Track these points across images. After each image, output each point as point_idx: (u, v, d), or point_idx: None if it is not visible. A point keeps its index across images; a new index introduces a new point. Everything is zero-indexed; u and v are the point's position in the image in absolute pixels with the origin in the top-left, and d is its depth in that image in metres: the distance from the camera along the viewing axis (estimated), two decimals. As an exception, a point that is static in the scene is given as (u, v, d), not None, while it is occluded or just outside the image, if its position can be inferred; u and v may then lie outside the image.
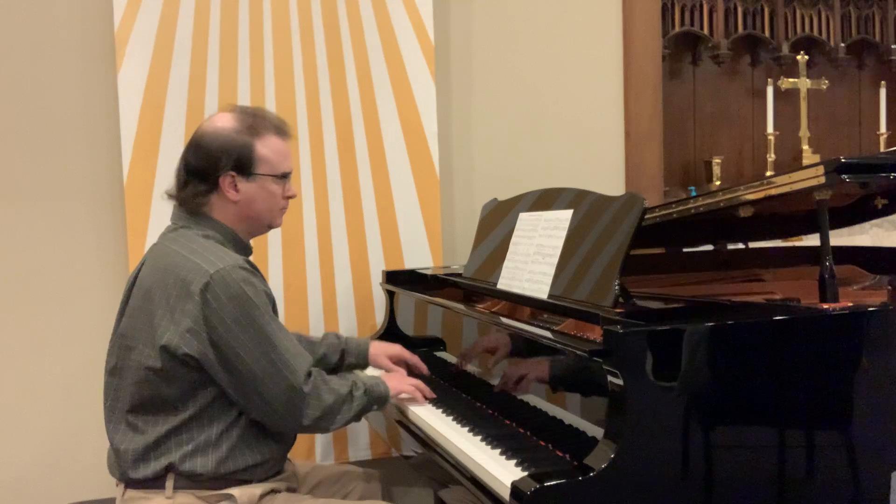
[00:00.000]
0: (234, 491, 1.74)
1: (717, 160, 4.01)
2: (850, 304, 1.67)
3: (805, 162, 4.02)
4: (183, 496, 1.72)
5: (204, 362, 1.68)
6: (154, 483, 1.73)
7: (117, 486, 1.81)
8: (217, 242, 1.79)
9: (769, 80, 3.99)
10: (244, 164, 1.79)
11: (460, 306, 2.19)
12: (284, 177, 1.87)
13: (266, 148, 1.82)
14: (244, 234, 1.88)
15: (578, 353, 1.55)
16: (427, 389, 2.04)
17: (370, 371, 2.24)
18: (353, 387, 1.85)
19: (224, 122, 1.82)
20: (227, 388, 1.71)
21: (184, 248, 1.75)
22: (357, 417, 1.87)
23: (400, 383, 2.00)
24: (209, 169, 1.78)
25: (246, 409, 1.75)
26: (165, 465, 1.71)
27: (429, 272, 2.65)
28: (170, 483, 1.72)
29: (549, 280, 1.90)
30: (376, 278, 2.80)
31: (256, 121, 1.84)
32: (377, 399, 1.90)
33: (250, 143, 1.80)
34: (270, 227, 1.91)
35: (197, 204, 1.81)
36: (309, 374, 1.76)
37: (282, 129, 1.87)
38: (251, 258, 1.88)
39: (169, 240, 1.81)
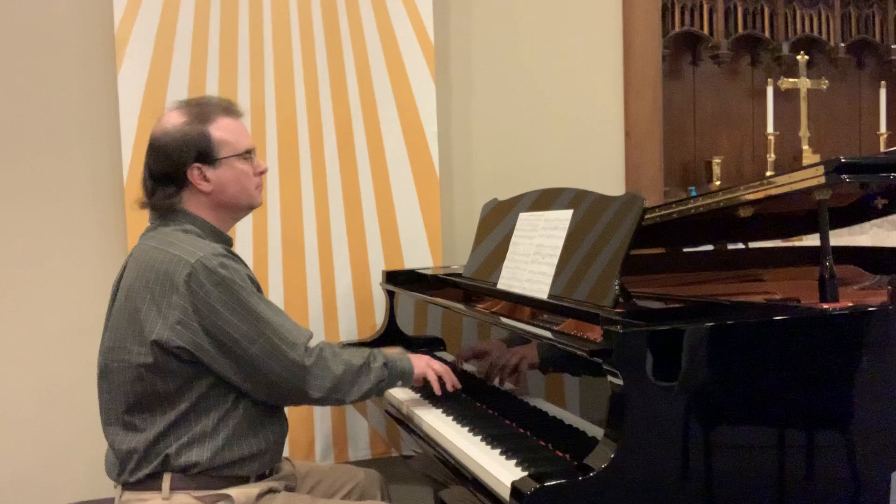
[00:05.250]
0: (232, 491, 1.74)
1: (717, 160, 4.01)
2: (850, 304, 1.67)
3: (805, 162, 4.02)
4: (180, 496, 1.72)
5: (199, 353, 1.68)
6: (150, 483, 1.72)
7: (115, 487, 1.80)
8: (196, 236, 1.79)
9: (769, 80, 3.99)
10: (206, 153, 1.79)
11: (460, 306, 2.19)
12: (248, 154, 1.86)
13: (220, 130, 1.82)
14: (224, 223, 1.88)
15: (578, 353, 1.55)
16: (454, 379, 2.00)
17: None
18: (371, 358, 1.85)
19: (173, 120, 1.82)
20: (229, 375, 1.71)
21: (162, 243, 1.76)
22: (378, 390, 1.87)
23: (425, 367, 1.97)
24: (174, 169, 1.78)
25: (253, 393, 1.75)
26: (162, 459, 1.71)
27: (429, 272, 2.65)
28: (166, 483, 1.71)
29: (549, 280, 1.90)
30: (376, 278, 2.80)
31: (203, 108, 1.84)
32: (400, 374, 1.91)
33: (204, 130, 1.80)
34: (251, 206, 1.91)
35: (170, 205, 1.81)
36: (308, 346, 1.77)
37: (230, 109, 1.87)
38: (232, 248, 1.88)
39: (147, 239, 1.81)
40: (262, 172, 1.91)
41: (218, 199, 1.83)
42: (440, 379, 1.99)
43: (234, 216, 1.90)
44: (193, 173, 1.79)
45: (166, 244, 1.74)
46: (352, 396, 1.83)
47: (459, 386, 2.02)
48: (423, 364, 1.98)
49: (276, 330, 1.73)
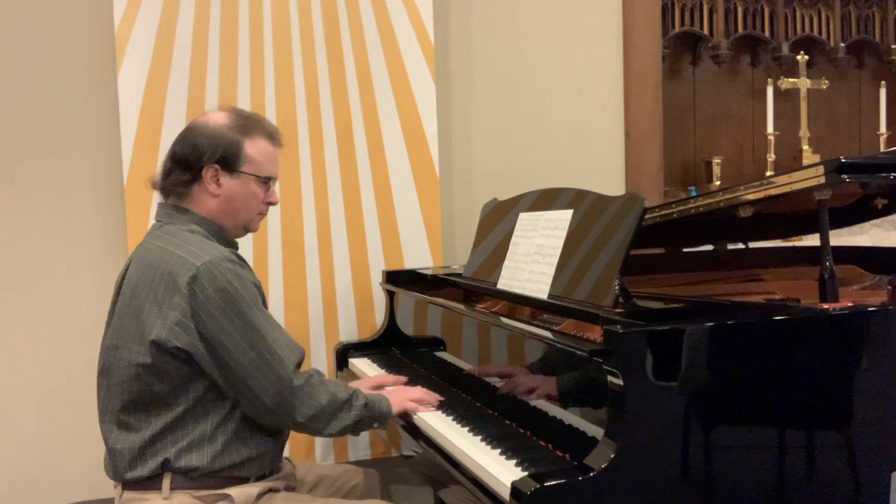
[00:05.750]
0: (232, 491, 1.74)
1: (717, 160, 4.01)
2: (850, 304, 1.67)
3: (805, 162, 4.02)
4: (180, 496, 1.71)
5: (194, 355, 1.68)
6: (150, 483, 1.72)
7: (115, 487, 1.80)
8: (202, 237, 1.79)
9: (769, 80, 3.99)
10: (230, 160, 1.80)
11: (460, 306, 2.19)
12: (268, 181, 1.87)
13: (254, 149, 1.83)
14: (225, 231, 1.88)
15: (578, 353, 1.55)
16: (432, 398, 2.01)
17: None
18: (354, 396, 1.84)
19: (217, 118, 1.85)
20: (219, 381, 1.71)
21: (169, 243, 1.75)
22: (354, 429, 1.85)
23: (402, 400, 1.97)
24: (194, 158, 1.79)
25: (238, 403, 1.74)
26: (161, 462, 1.70)
27: (429, 272, 2.65)
28: (166, 483, 1.71)
29: (549, 280, 1.90)
30: (376, 278, 2.80)
31: (249, 122, 1.86)
32: (378, 415, 1.88)
33: (239, 140, 1.82)
34: (247, 230, 1.91)
35: (178, 195, 1.82)
36: (299, 367, 1.76)
37: (273, 136, 1.89)
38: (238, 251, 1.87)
39: (153, 237, 1.81)
40: (272, 203, 1.91)
41: (222, 207, 1.83)
42: (422, 401, 1.99)
43: (230, 232, 1.89)
44: (209, 172, 1.80)
45: (173, 245, 1.74)
46: (329, 430, 1.80)
47: (442, 398, 2.02)
48: (399, 399, 1.96)
49: (269, 345, 1.72)
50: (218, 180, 1.80)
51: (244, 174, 1.82)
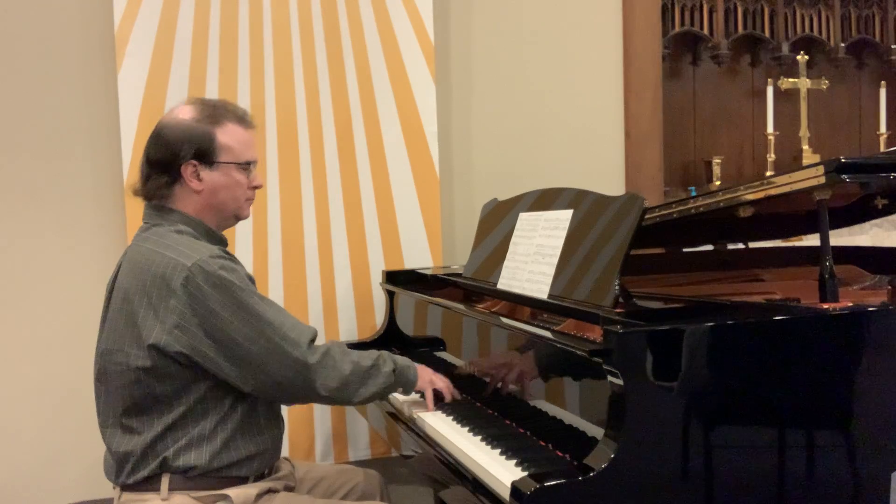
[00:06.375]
0: (231, 491, 1.73)
1: (717, 160, 4.01)
2: (850, 304, 1.67)
3: (805, 162, 4.02)
4: (178, 497, 1.71)
5: (199, 357, 1.67)
6: (149, 484, 1.72)
7: (114, 489, 1.80)
8: (190, 237, 1.78)
9: (769, 80, 3.99)
10: (205, 153, 1.78)
11: (460, 306, 2.19)
12: (248, 165, 1.85)
13: (227, 136, 1.81)
14: (214, 225, 1.86)
15: (578, 353, 1.55)
16: (454, 392, 2.04)
17: None
18: (380, 361, 1.86)
19: (184, 113, 1.82)
20: (233, 379, 1.70)
21: (157, 245, 1.74)
22: (384, 394, 1.89)
23: (428, 382, 2.01)
24: (170, 159, 1.77)
25: (260, 394, 1.75)
26: (160, 462, 1.70)
27: (429, 272, 2.65)
28: (165, 484, 1.71)
29: (549, 280, 1.90)
30: (376, 278, 2.80)
31: (217, 111, 1.83)
32: (404, 383, 1.93)
33: (211, 131, 1.79)
34: (238, 217, 1.90)
35: (161, 197, 1.80)
36: (312, 343, 1.76)
37: (244, 119, 1.86)
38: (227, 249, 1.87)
39: (142, 239, 1.80)
40: (257, 187, 1.90)
41: (208, 201, 1.82)
42: (440, 394, 2.02)
43: (221, 223, 1.88)
44: (188, 170, 1.78)
45: (162, 246, 1.73)
46: (358, 397, 1.83)
47: (459, 397, 2.03)
48: (426, 379, 2.01)
49: (277, 329, 1.72)
50: (199, 175, 1.79)
51: (223, 164, 1.80)
